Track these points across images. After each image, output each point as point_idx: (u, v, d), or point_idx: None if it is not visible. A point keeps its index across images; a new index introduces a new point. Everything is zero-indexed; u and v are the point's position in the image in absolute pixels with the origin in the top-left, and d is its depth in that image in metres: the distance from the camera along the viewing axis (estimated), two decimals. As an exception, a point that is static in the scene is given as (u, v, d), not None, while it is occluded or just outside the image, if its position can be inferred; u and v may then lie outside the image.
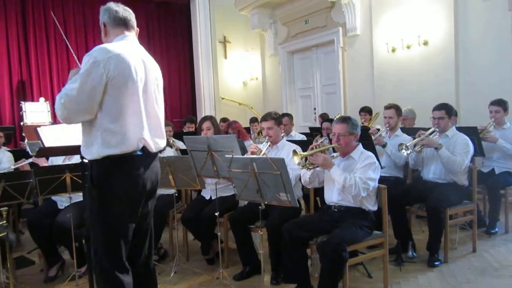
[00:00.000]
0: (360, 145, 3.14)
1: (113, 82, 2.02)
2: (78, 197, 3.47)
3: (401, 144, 3.71)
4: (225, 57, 10.15)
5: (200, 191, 4.16)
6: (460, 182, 3.65)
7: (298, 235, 2.97)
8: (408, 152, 3.70)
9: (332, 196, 3.09)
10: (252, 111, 9.63)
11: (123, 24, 2.24)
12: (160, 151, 2.36)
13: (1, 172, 3.43)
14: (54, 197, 3.71)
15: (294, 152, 2.94)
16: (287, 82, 9.06)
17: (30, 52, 9.04)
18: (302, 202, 4.02)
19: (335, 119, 5.26)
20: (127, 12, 2.27)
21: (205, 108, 9.98)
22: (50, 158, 3.84)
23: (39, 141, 2.47)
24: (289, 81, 9.07)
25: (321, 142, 4.44)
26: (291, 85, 9.09)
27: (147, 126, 2.16)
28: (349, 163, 3.08)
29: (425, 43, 5.96)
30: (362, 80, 7.17)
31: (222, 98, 10.00)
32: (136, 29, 2.32)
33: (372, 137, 4.06)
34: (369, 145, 3.51)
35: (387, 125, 4.29)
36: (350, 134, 3.06)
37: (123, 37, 2.21)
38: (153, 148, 2.21)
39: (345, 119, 3.12)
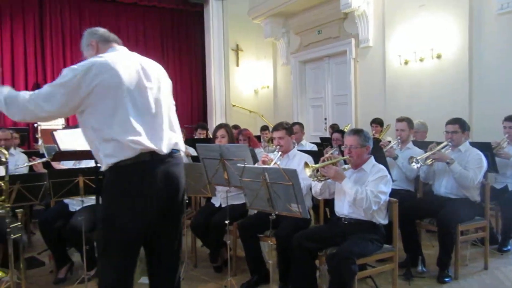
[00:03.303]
0: (372, 157, 3.14)
1: (94, 91, 1.97)
2: (90, 200, 3.52)
3: (411, 157, 3.70)
4: (237, 65, 10.21)
5: (209, 198, 4.18)
6: (472, 198, 3.62)
7: (308, 246, 2.96)
8: (418, 165, 3.69)
9: (342, 208, 3.08)
10: (262, 119, 9.66)
11: (114, 40, 2.27)
12: (172, 154, 2.19)
13: (17, 174, 3.48)
14: (66, 200, 3.75)
15: (306, 164, 2.95)
16: (298, 91, 9.09)
17: (46, 55, 9.23)
18: (311, 212, 4.01)
19: (346, 130, 5.27)
20: (113, 34, 2.31)
21: (216, 115, 10.04)
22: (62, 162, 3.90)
23: (55, 145, 2.51)
24: (301, 91, 9.09)
25: (331, 153, 4.45)
26: (302, 95, 9.11)
27: (145, 127, 2.06)
28: (361, 176, 3.08)
29: (438, 57, 5.95)
30: (373, 92, 7.16)
31: (233, 106, 10.05)
32: None
33: (383, 149, 4.06)
34: (380, 158, 3.50)
35: (398, 137, 4.28)
36: (362, 146, 3.06)
37: (114, 49, 2.22)
38: (159, 149, 2.09)
39: (357, 131, 3.12)
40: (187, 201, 3.73)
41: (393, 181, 3.58)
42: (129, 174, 2.03)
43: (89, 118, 2.03)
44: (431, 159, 3.69)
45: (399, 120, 4.32)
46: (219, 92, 10.10)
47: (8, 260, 2.83)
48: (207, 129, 7.24)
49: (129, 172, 2.03)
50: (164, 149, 2.11)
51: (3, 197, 2.65)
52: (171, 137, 2.19)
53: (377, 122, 6.16)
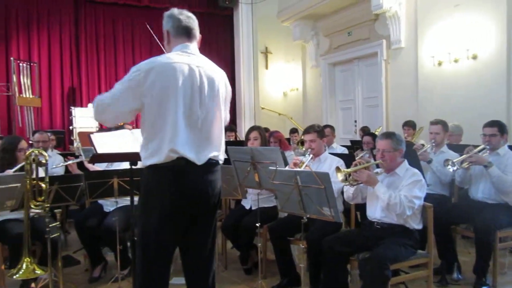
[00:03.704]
0: (406, 161, 3.07)
1: (152, 92, 2.01)
2: (124, 201, 3.61)
3: (447, 160, 3.61)
4: (266, 68, 10.23)
5: (239, 200, 4.20)
6: (511, 203, 3.49)
7: (339, 250, 2.94)
8: (454, 168, 3.59)
9: (375, 213, 3.03)
10: (291, 122, 9.63)
11: (185, 33, 2.19)
12: (208, 162, 2.17)
13: (55, 175, 3.60)
14: (100, 201, 3.85)
15: (338, 168, 2.93)
16: (327, 93, 9.02)
17: (81, 60, 9.50)
18: (342, 216, 3.97)
19: (377, 133, 5.17)
20: (190, 20, 2.22)
21: (245, 117, 10.09)
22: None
23: (92, 147, 2.58)
24: (330, 93, 9.02)
25: (361, 156, 4.39)
26: (331, 97, 9.04)
27: (185, 136, 2.07)
28: (394, 180, 3.02)
29: (474, 57, 5.77)
30: (405, 94, 7.02)
31: (262, 108, 10.06)
32: (199, 36, 2.26)
33: (417, 152, 3.97)
34: (414, 162, 3.43)
35: (432, 141, 4.17)
36: (394, 150, 3.00)
37: (182, 46, 2.17)
38: (195, 160, 2.08)
39: (389, 135, 3.07)
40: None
41: (427, 185, 3.51)
42: (162, 176, 2.07)
43: (144, 116, 2.08)
44: (467, 162, 3.58)
45: (434, 122, 4.21)
46: (248, 95, 10.15)
47: (47, 259, 2.94)
48: (235, 131, 7.29)
49: (162, 174, 2.06)
50: (199, 162, 2.10)
51: (43, 198, 2.74)
52: (210, 151, 2.16)
53: (410, 125, 6.02)
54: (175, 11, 2.21)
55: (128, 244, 3.69)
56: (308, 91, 9.70)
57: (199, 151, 2.10)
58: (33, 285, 3.43)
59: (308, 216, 2.69)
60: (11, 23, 8.82)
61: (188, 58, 2.13)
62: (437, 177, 3.98)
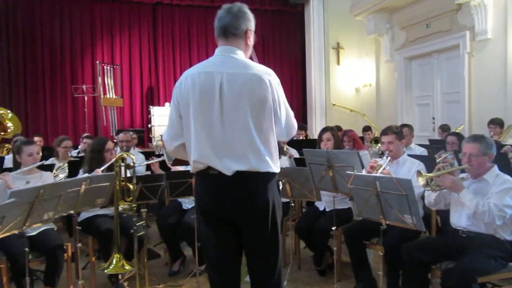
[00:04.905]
0: (495, 166, 2.85)
1: (181, 106, 2.05)
2: (202, 200, 3.74)
3: (542, 165, 3.30)
4: (338, 63, 10.02)
5: (310, 201, 4.17)
6: None
7: (419, 257, 2.81)
8: (551, 173, 3.27)
9: (460, 220, 2.86)
10: (364, 119, 9.37)
11: (222, 34, 2.09)
12: (248, 176, 1.99)
13: (139, 175, 3.82)
14: (179, 198, 4.03)
15: (419, 173, 2.79)
16: (403, 89, 8.65)
17: (158, 61, 9.99)
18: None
19: (459, 131, 4.84)
20: (228, 17, 2.06)
21: (316, 114, 9.98)
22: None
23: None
24: (406, 88, 8.64)
25: (445, 157, 4.14)
26: (407, 93, 8.65)
27: (207, 147, 1.99)
28: (481, 186, 2.82)
29: None
30: (491, 89, 6.51)
31: (333, 105, 9.89)
32: (245, 30, 2.08)
33: (508, 155, 3.68)
34: (504, 166, 3.17)
35: (525, 142, 3.84)
36: (483, 154, 2.79)
37: (219, 50, 2.09)
38: (223, 170, 1.98)
39: (478, 138, 2.86)
40: (292, 204, 3.77)
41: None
42: (197, 180, 2.13)
43: None
44: None
45: (526, 122, 3.87)
46: (319, 92, 10.00)
47: (132, 253, 3.15)
48: (305, 129, 7.23)
49: (197, 179, 2.13)
50: (229, 172, 1.97)
51: (131, 198, 2.93)
52: (236, 162, 1.98)
53: (496, 123, 5.56)
54: (220, 10, 2.10)
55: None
56: (382, 87, 9.37)
57: (225, 162, 1.98)
58: (120, 276, 3.69)
59: (387, 222, 2.61)
60: (97, 29, 9.53)
61: (216, 64, 2.03)
62: (530, 182, 3.65)
